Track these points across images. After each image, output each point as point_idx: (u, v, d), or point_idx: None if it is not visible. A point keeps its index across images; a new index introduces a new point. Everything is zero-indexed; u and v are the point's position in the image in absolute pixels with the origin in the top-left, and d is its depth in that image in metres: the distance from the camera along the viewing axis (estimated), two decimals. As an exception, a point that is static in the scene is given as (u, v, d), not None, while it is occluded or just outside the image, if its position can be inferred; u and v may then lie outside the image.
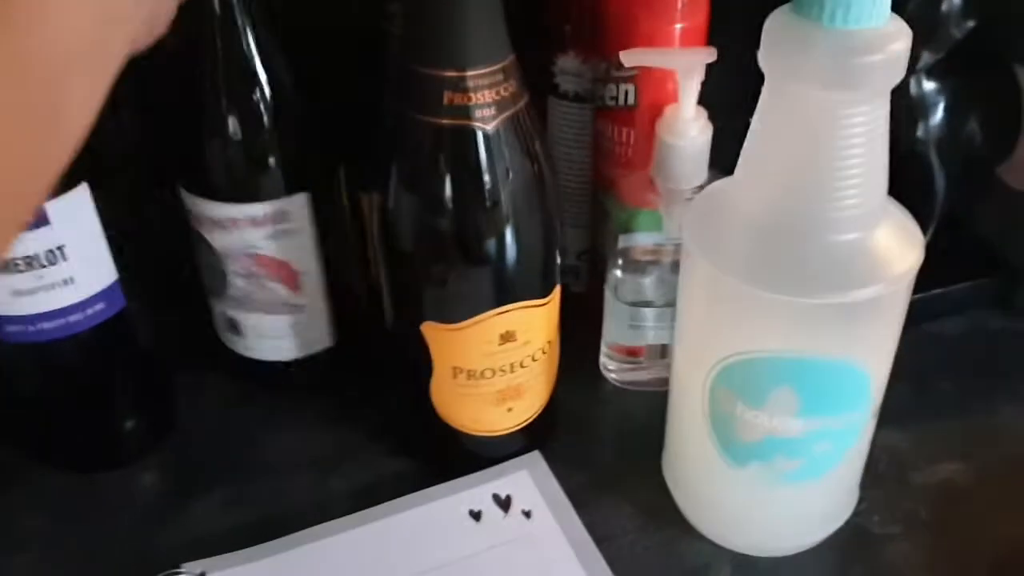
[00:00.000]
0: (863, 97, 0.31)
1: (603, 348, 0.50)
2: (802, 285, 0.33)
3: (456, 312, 0.39)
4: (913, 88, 0.48)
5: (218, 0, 0.39)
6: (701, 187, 0.43)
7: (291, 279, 0.45)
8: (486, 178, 0.36)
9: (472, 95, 0.35)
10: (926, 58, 0.47)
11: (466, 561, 0.40)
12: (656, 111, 0.43)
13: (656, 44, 0.43)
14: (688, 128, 0.42)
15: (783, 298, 0.33)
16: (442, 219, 0.37)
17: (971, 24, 0.46)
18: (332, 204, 0.46)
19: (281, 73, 0.41)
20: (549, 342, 0.42)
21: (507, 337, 0.40)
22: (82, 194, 0.38)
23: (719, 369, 0.36)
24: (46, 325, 0.39)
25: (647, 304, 0.47)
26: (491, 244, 0.38)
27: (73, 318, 0.40)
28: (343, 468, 0.45)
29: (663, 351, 0.48)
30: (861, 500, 0.42)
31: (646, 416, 0.45)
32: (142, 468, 0.46)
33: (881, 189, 0.33)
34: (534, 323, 0.40)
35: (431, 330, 0.39)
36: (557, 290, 0.41)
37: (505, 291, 0.39)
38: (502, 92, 0.35)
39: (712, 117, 0.43)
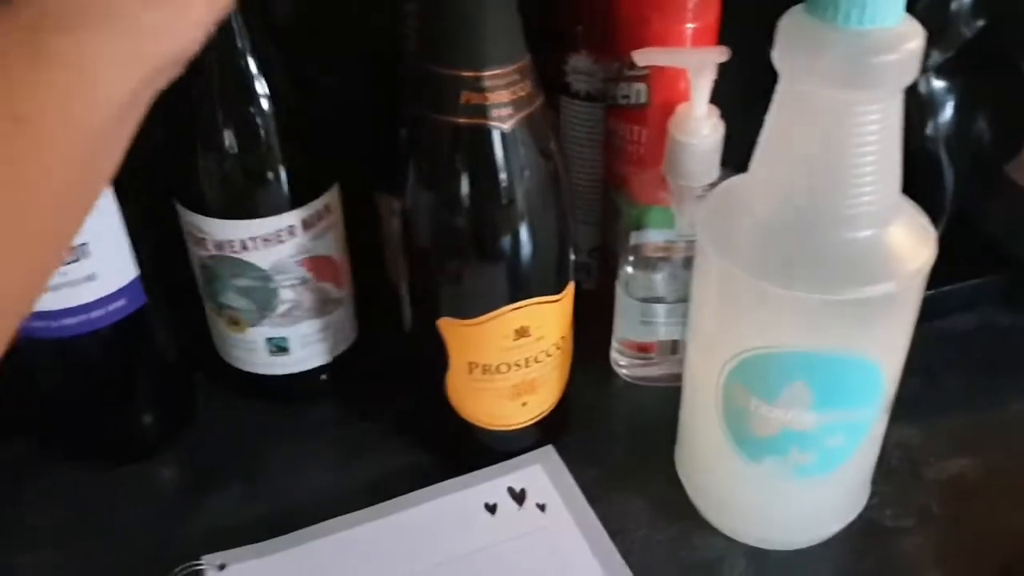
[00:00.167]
0: (878, 96, 0.31)
1: (614, 344, 0.50)
2: (816, 281, 0.33)
3: (472, 308, 0.39)
4: (922, 87, 0.48)
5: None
6: (712, 184, 0.44)
7: (335, 273, 0.46)
8: (502, 176, 0.37)
9: (489, 95, 0.35)
10: (936, 57, 0.47)
11: (482, 553, 0.41)
12: (668, 109, 0.44)
13: (668, 44, 0.43)
14: (700, 126, 0.43)
15: (797, 294, 0.33)
16: (459, 216, 0.37)
17: (980, 23, 0.46)
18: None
19: (291, 72, 0.41)
20: (563, 337, 0.43)
21: (522, 332, 0.40)
22: (105, 193, 0.38)
23: (733, 364, 0.36)
24: (68, 321, 0.40)
25: (658, 300, 0.47)
26: (507, 241, 0.38)
27: (95, 314, 0.40)
28: (360, 462, 0.46)
29: (674, 347, 0.49)
30: (873, 494, 0.43)
31: (658, 411, 0.46)
32: (161, 462, 0.46)
33: (895, 186, 0.34)
34: (548, 319, 0.41)
35: (448, 325, 0.40)
36: (571, 286, 0.42)
37: (520, 287, 0.39)
38: (518, 92, 0.36)
39: (723, 115, 0.43)
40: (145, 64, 0.25)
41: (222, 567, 0.40)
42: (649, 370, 0.50)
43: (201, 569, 0.40)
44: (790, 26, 0.32)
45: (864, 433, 0.38)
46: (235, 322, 0.45)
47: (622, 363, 0.51)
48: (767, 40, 0.32)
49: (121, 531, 0.43)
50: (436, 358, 0.41)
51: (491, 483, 0.43)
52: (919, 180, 0.36)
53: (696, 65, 0.42)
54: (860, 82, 0.30)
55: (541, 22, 0.41)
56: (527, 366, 0.41)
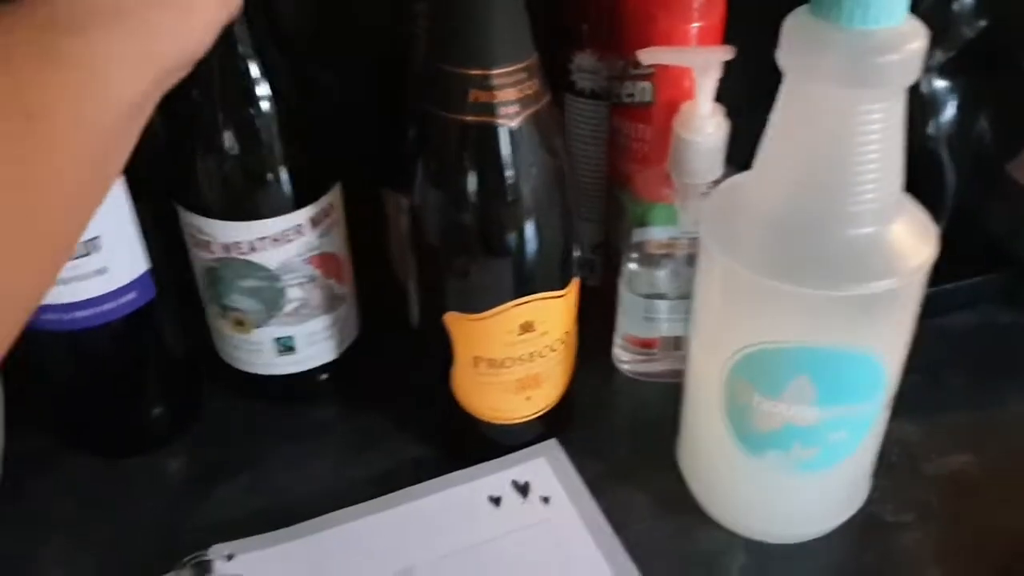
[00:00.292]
0: (881, 95, 0.31)
1: (617, 340, 0.51)
2: (819, 278, 0.33)
3: (478, 302, 0.40)
4: (924, 86, 0.49)
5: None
6: (716, 182, 0.44)
7: (339, 270, 0.46)
8: (509, 173, 0.37)
9: (496, 93, 0.36)
10: (938, 56, 0.47)
11: (486, 545, 0.41)
12: (673, 108, 0.44)
13: (673, 42, 0.43)
14: (705, 124, 0.43)
15: (800, 290, 0.34)
16: (466, 213, 0.38)
17: (982, 23, 0.47)
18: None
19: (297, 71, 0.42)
20: (567, 332, 0.43)
21: (526, 327, 0.41)
22: (117, 187, 0.39)
23: (736, 360, 0.37)
24: (80, 314, 0.40)
25: (661, 296, 0.48)
26: (513, 237, 0.38)
27: (106, 307, 0.41)
28: (365, 455, 0.46)
29: (676, 343, 0.49)
30: (874, 489, 0.43)
31: (660, 406, 0.46)
32: (169, 454, 0.47)
33: (897, 184, 0.34)
34: (552, 314, 0.41)
35: (454, 320, 0.40)
36: (575, 282, 0.42)
37: (525, 283, 0.40)
38: (526, 90, 0.36)
39: (728, 113, 0.44)
40: (155, 65, 0.26)
41: (230, 557, 0.40)
42: (652, 366, 0.50)
43: (209, 559, 0.40)
44: (794, 26, 0.32)
45: (866, 428, 0.38)
46: (240, 323, 0.45)
47: (625, 359, 0.51)
48: (772, 39, 0.33)
49: (132, 521, 0.43)
50: (442, 352, 0.42)
51: (495, 476, 0.44)
52: (921, 179, 0.36)
53: (701, 64, 0.42)
54: (863, 81, 0.31)
55: (547, 20, 0.41)
56: (532, 360, 0.42)
